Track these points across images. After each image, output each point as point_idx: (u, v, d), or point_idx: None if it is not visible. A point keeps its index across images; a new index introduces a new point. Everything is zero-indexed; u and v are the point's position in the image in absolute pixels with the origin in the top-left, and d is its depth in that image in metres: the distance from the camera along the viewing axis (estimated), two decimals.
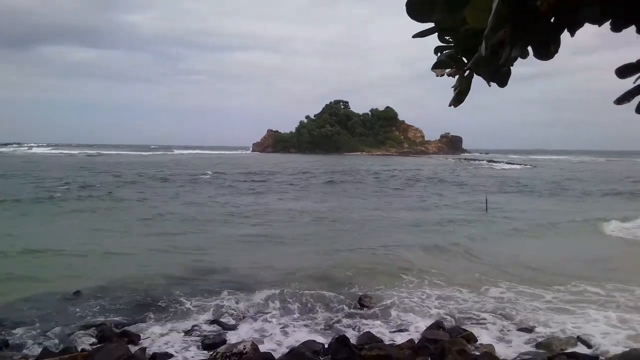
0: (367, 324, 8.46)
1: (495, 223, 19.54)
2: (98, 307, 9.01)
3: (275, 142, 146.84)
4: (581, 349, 7.15)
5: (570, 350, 6.90)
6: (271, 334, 8.04)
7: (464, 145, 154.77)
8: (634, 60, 2.25)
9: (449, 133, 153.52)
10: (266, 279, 10.95)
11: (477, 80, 2.79)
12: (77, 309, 8.90)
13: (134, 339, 7.49)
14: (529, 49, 2.46)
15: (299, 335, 7.89)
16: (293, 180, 41.63)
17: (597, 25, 2.28)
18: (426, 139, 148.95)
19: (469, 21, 2.12)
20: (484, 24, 2.06)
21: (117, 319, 8.50)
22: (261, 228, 18.11)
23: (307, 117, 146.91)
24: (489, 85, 2.50)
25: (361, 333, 7.87)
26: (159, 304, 9.28)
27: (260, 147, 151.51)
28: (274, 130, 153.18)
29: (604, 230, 17.71)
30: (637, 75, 2.19)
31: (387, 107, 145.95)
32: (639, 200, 28.64)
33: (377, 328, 8.27)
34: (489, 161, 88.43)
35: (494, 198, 27.43)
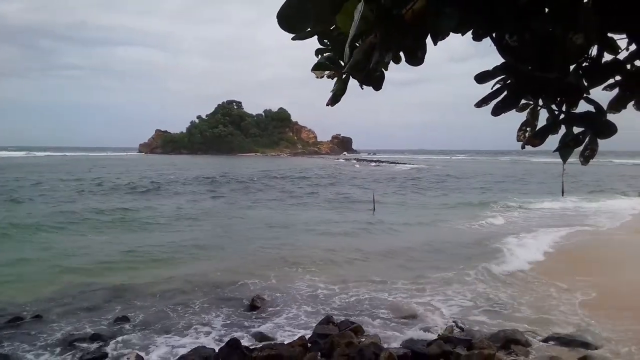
0: (260, 325, 8.44)
1: (382, 222, 20.50)
2: None
3: (164, 143, 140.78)
4: (457, 333, 7.81)
5: (447, 334, 7.47)
6: (159, 344, 7.68)
7: (354, 146, 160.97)
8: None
9: (339, 134, 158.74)
10: (151, 288, 10.44)
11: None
12: None
13: None
14: (402, 55, 2.65)
15: (188, 342, 7.64)
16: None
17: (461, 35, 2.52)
18: (319, 139, 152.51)
19: (340, 27, 2.21)
20: (357, 29, 2.16)
21: None
22: (145, 234, 17.25)
23: (199, 117, 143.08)
24: (362, 88, 2.62)
25: (253, 335, 7.84)
26: (26, 321, 8.44)
27: (148, 148, 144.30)
28: (162, 130, 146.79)
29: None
30: (494, 81, 2.46)
31: (281, 108, 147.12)
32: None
33: (270, 328, 8.29)
34: (380, 161, 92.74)
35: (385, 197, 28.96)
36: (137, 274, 11.57)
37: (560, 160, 2.27)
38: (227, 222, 20.26)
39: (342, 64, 2.69)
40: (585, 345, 7.09)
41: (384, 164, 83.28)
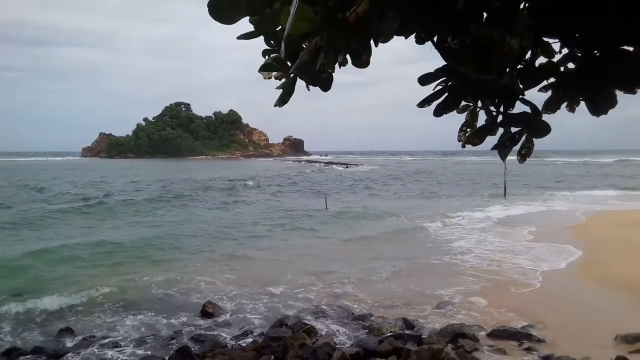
0: (212, 331, 8.28)
1: (337, 223, 20.62)
2: None
3: (109, 147, 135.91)
4: (407, 330, 7.97)
5: (398, 331, 7.62)
6: (107, 356, 7.37)
7: (306, 148, 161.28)
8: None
9: (291, 136, 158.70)
10: (95, 297, 10.02)
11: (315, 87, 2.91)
12: None
13: None
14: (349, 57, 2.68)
15: (137, 352, 7.39)
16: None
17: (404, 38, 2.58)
18: (270, 141, 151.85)
19: (284, 27, 2.21)
20: (301, 31, 2.17)
21: None
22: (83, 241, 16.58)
23: (146, 119, 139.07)
24: (308, 89, 2.63)
25: (204, 341, 7.67)
26: None
27: (92, 152, 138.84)
28: (107, 133, 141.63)
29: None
30: (436, 83, 2.53)
31: (231, 110, 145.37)
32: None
33: (222, 334, 8.15)
34: (330, 163, 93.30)
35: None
36: (81, 284, 11.08)
37: (510, 159, 2.37)
38: (175, 228, 19.75)
39: (289, 64, 2.69)
40: (529, 337, 7.41)
41: (333, 166, 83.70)
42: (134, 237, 16.90)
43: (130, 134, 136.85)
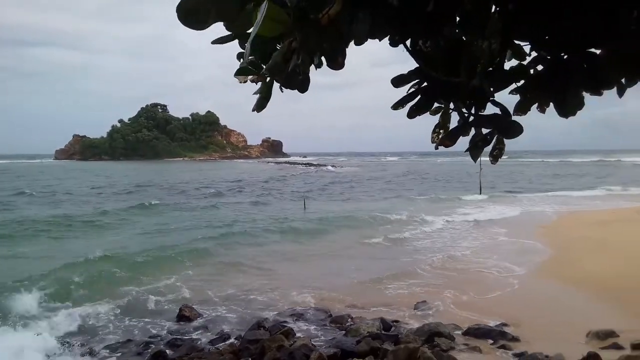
0: (188, 336, 8.18)
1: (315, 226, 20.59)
2: None
3: (83, 149, 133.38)
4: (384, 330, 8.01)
5: (375, 332, 7.65)
6: None
7: (284, 149, 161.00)
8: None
9: (270, 137, 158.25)
10: (70, 303, 9.81)
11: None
12: None
13: None
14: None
15: (113, 358, 7.26)
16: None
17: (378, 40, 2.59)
18: (249, 143, 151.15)
19: (259, 31, 2.19)
20: (273, 32, 2.16)
21: None
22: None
23: (121, 121, 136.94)
24: (282, 91, 2.62)
25: (180, 345, 7.58)
26: None
27: (66, 154, 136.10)
28: (81, 135, 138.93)
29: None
30: (409, 85, 2.55)
31: (209, 112, 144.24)
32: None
33: (199, 338, 8.06)
34: (310, 164, 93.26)
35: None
36: (56, 290, 10.81)
37: (486, 159, 2.40)
38: (148, 232, 19.47)
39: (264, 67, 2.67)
40: (503, 335, 7.53)
41: (313, 167, 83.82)
42: (108, 242, 16.62)
43: (105, 135, 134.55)
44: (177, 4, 1.68)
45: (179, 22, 1.72)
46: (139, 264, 13.48)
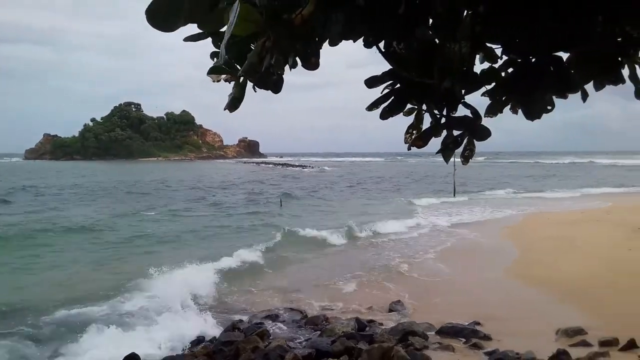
0: (162, 337, 8.04)
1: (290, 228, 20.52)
2: None
3: (54, 148, 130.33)
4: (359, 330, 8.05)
5: (350, 332, 7.67)
6: None
7: (261, 149, 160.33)
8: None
9: (246, 137, 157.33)
10: (40, 306, 9.58)
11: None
12: None
13: None
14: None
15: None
16: None
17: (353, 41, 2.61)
18: (225, 143, 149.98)
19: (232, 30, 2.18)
20: (246, 31, 2.15)
21: None
22: None
23: (93, 120, 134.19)
24: (255, 91, 2.61)
25: (154, 347, 7.47)
26: None
27: (36, 153, 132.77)
28: (52, 134, 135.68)
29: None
30: (383, 85, 2.57)
31: (184, 111, 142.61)
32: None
33: (173, 339, 7.93)
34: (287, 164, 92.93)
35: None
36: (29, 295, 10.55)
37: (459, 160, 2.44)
38: (120, 234, 19.09)
39: (239, 67, 2.66)
40: (475, 333, 7.65)
41: (289, 168, 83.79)
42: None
43: (76, 135, 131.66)
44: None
45: (148, 24, 1.67)
46: (109, 265, 13.25)
